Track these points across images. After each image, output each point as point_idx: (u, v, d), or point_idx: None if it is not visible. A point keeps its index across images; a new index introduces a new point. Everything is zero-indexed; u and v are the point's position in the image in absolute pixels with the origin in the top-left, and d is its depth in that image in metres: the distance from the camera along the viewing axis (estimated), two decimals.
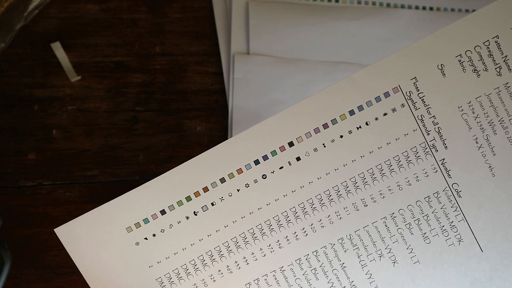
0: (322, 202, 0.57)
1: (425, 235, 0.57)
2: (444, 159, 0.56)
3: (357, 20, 0.71)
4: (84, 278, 0.59)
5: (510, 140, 0.55)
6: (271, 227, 0.57)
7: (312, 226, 0.57)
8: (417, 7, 0.73)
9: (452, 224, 0.57)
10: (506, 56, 0.54)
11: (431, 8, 0.73)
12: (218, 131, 0.70)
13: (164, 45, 0.71)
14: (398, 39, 0.72)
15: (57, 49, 0.69)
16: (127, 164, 0.69)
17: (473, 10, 0.73)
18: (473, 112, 0.55)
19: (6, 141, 0.68)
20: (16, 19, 0.66)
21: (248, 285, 0.59)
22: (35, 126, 0.68)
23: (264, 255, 0.58)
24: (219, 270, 0.58)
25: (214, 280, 0.58)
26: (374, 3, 0.73)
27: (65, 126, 0.69)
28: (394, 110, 0.55)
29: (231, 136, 0.68)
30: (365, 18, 0.72)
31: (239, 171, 0.56)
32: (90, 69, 0.70)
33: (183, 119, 0.70)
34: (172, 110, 0.70)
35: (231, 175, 0.56)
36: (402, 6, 0.73)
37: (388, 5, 0.73)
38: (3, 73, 0.69)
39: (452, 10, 0.74)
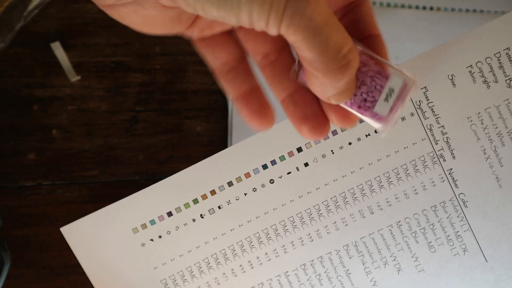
0: (329, 208, 0.57)
1: (431, 244, 0.57)
2: (451, 169, 0.56)
3: None
4: (84, 279, 0.58)
5: None
6: (277, 232, 0.57)
7: (318, 232, 0.57)
8: (417, 7, 0.73)
9: (458, 233, 0.57)
10: None
11: (431, 8, 0.74)
12: (218, 131, 0.69)
13: (164, 45, 0.70)
14: (398, 39, 0.72)
15: (57, 49, 0.68)
16: (127, 164, 0.68)
17: (474, 10, 0.74)
18: (482, 123, 0.55)
19: (6, 141, 0.67)
20: (16, 19, 0.66)
21: None
22: (35, 126, 0.68)
23: (269, 259, 0.58)
24: (224, 273, 0.58)
25: (219, 283, 0.58)
26: (374, 3, 0.73)
27: (65, 126, 0.68)
28: (403, 118, 0.55)
29: (230, 137, 0.68)
30: None
31: (247, 175, 0.56)
32: (90, 69, 0.69)
33: (183, 119, 0.69)
34: (172, 110, 0.69)
35: (238, 179, 0.56)
36: (402, 6, 0.73)
37: (388, 5, 0.73)
38: (3, 73, 0.68)
39: (452, 10, 0.74)
